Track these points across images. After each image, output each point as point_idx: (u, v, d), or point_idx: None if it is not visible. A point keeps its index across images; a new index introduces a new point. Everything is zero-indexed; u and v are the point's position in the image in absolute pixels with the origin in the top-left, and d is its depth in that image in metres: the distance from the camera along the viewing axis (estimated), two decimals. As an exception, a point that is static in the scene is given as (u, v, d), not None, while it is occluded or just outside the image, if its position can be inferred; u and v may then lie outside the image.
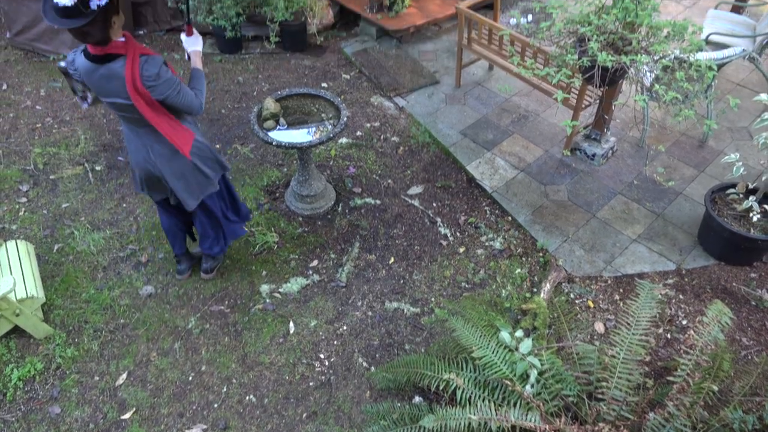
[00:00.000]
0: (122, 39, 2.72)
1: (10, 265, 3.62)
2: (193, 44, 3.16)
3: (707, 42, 5.09)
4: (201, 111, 3.02)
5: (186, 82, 3.04)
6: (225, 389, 3.42)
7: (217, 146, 4.97)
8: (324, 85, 5.65)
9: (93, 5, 2.49)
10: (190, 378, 3.47)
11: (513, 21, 6.15)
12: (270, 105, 3.96)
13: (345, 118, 3.89)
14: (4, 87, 5.60)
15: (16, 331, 3.59)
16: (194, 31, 3.17)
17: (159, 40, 6.26)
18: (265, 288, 3.94)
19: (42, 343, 3.60)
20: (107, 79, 2.75)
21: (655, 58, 3.46)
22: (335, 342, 3.65)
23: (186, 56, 3.21)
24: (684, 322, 3.68)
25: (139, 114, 2.85)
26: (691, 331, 2.80)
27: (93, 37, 2.60)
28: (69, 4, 2.44)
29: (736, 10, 5.79)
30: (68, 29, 2.55)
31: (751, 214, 3.83)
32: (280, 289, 3.93)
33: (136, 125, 3.01)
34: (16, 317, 3.44)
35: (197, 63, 3.14)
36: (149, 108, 2.82)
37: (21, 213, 4.41)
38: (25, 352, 3.55)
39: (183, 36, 3.17)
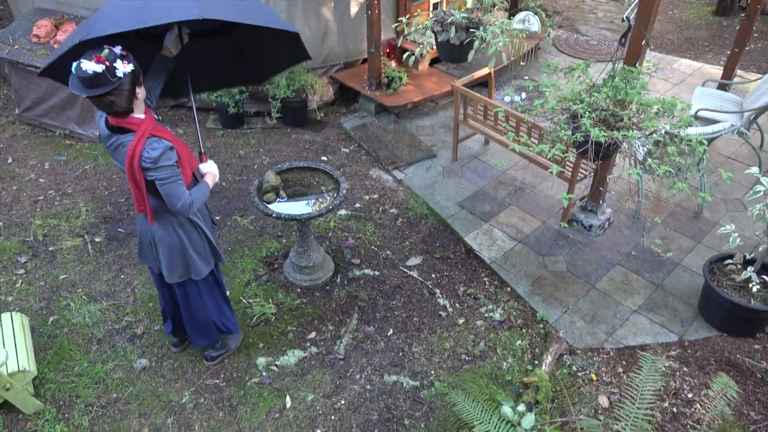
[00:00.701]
0: (142, 116, 2.78)
1: (3, 337, 3.57)
2: (207, 168, 3.20)
3: (696, 117, 5.25)
4: (185, 213, 2.94)
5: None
6: (218, 468, 3.30)
7: (218, 218, 5.01)
8: (324, 158, 5.77)
9: (119, 73, 2.56)
10: (182, 456, 3.35)
11: (507, 98, 6.36)
12: (270, 178, 4.04)
13: (344, 191, 3.95)
14: (10, 160, 5.71)
15: (5, 406, 3.50)
16: (207, 159, 3.25)
17: (164, 115, 6.43)
18: (261, 360, 3.87)
19: (31, 419, 3.49)
20: (117, 149, 2.82)
21: (647, 133, 3.56)
22: (333, 417, 3.55)
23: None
24: (689, 396, 3.60)
25: None
26: (697, 405, 2.75)
27: (118, 106, 2.64)
28: (99, 71, 2.50)
29: (722, 87, 6.01)
30: (94, 98, 2.59)
31: (750, 285, 3.83)
32: (277, 362, 3.86)
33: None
34: (5, 391, 3.36)
35: (208, 179, 3.16)
36: (133, 184, 2.83)
37: (18, 285, 4.39)
38: (12, 429, 3.44)
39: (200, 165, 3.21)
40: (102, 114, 2.85)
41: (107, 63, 2.52)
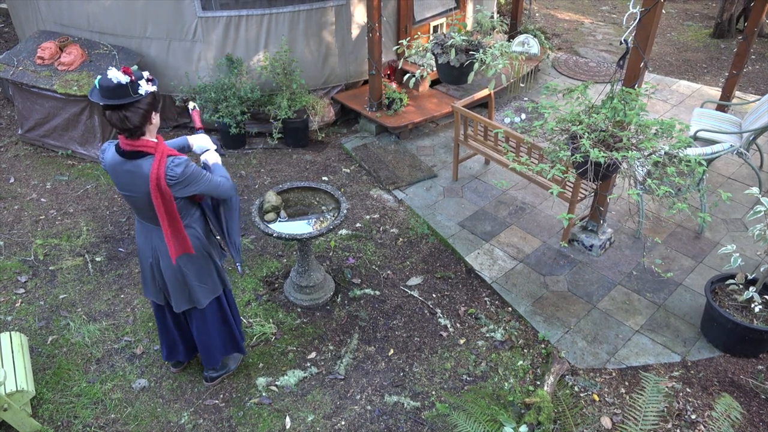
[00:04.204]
0: (155, 140, 2.82)
1: (2, 357, 3.55)
2: (213, 157, 3.19)
3: (695, 138, 5.29)
4: (233, 192, 3.07)
5: None
6: (216, 490, 3.25)
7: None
8: (325, 178, 5.79)
9: (141, 90, 2.64)
10: (181, 478, 3.31)
11: (507, 120, 6.40)
12: (271, 198, 4.05)
13: (345, 210, 3.96)
14: (12, 180, 5.74)
15: (3, 427, 3.46)
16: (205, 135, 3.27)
17: (166, 136, 6.47)
18: (261, 381, 3.84)
19: (28, 440, 3.46)
20: (131, 175, 2.80)
21: (646, 154, 3.58)
22: (333, 439, 3.51)
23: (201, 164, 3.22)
24: (693, 417, 3.57)
25: (154, 211, 2.89)
26: (701, 427, 2.72)
27: (131, 122, 2.66)
28: (124, 82, 2.58)
29: (721, 109, 6.05)
30: (109, 112, 2.65)
31: (752, 305, 3.82)
32: (277, 382, 3.84)
33: (148, 222, 3.07)
34: (3, 412, 3.33)
35: (210, 159, 3.19)
36: (164, 208, 2.86)
37: (18, 304, 4.38)
38: (9, 450, 3.41)
39: (190, 139, 3.22)
40: (111, 142, 2.88)
41: (133, 77, 2.61)
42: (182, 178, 2.81)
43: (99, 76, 2.63)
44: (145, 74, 2.71)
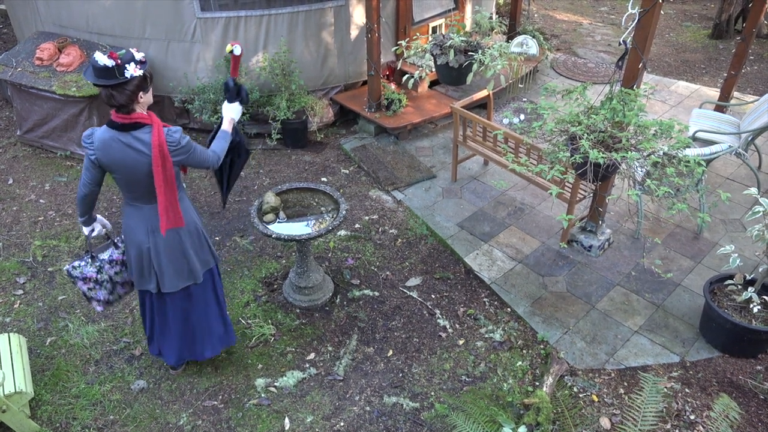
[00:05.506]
0: (145, 113, 2.98)
1: (0, 359, 3.55)
2: (230, 111, 3.40)
3: (694, 139, 5.29)
4: (216, 165, 3.24)
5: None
6: (215, 492, 3.25)
7: (216, 238, 5.01)
8: (324, 179, 5.79)
9: (127, 74, 2.80)
10: (180, 479, 3.31)
11: (506, 120, 6.40)
12: (270, 199, 4.05)
13: (344, 211, 3.96)
14: (10, 181, 5.73)
15: (1, 428, 3.46)
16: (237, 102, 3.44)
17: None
18: (260, 382, 3.84)
19: (26, 442, 3.46)
20: (128, 147, 2.92)
21: (645, 154, 3.58)
22: (332, 440, 3.51)
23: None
24: (692, 417, 3.57)
25: (151, 185, 2.99)
26: (700, 427, 2.72)
27: (116, 100, 2.84)
28: (109, 66, 2.76)
29: (720, 109, 6.06)
30: (99, 87, 2.85)
31: (751, 306, 3.82)
32: (276, 383, 3.83)
33: (140, 201, 3.15)
34: (2, 413, 3.32)
35: (226, 126, 3.37)
36: (163, 175, 2.96)
37: (16, 305, 4.38)
38: (8, 451, 3.40)
39: (225, 103, 3.43)
40: (92, 129, 3.01)
41: (119, 61, 2.78)
42: (180, 146, 2.99)
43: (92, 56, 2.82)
44: (139, 56, 2.85)
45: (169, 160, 2.95)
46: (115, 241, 3.48)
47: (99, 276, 3.40)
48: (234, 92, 3.40)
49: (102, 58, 2.76)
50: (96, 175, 3.06)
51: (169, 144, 2.94)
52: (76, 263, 3.36)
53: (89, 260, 3.38)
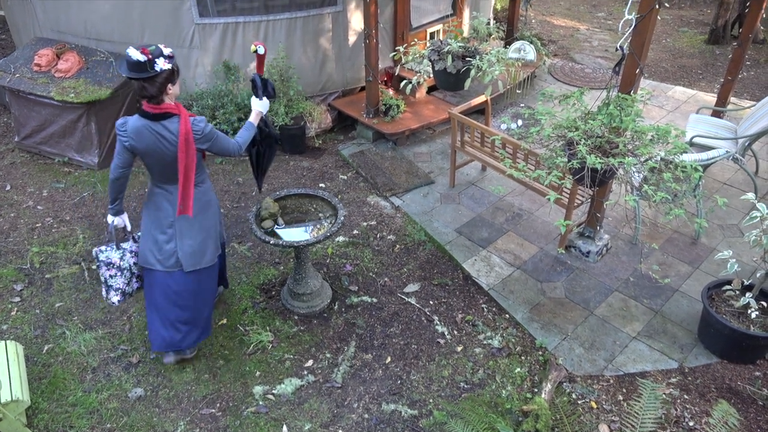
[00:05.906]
0: (173, 104, 3.23)
1: (-3, 366, 3.53)
2: (257, 105, 3.69)
3: (691, 144, 5.30)
4: (238, 153, 3.51)
5: None
6: (213, 500, 3.23)
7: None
8: (322, 185, 5.79)
9: (158, 67, 3.06)
10: (177, 488, 3.29)
11: (503, 126, 6.42)
12: (268, 205, 4.04)
13: (342, 217, 3.95)
14: (8, 188, 5.72)
15: (-3, 437, 3.45)
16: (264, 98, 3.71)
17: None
18: (258, 389, 3.83)
19: (23, 450, 3.44)
20: (158, 135, 3.19)
21: (642, 160, 3.59)
22: (330, 447, 3.50)
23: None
24: (691, 424, 3.56)
25: (175, 170, 3.28)
26: (699, 434, 2.72)
27: (148, 92, 3.11)
28: (141, 60, 3.01)
29: (716, 114, 6.07)
30: (133, 80, 3.09)
31: (749, 311, 3.82)
32: (273, 391, 3.82)
33: (168, 183, 3.42)
34: (-2, 422, 3.31)
35: (253, 118, 3.66)
36: (185, 163, 3.23)
37: (13, 313, 4.36)
38: (4, 460, 3.38)
39: (253, 98, 3.71)
40: (125, 117, 3.23)
41: (150, 56, 3.03)
42: (204, 134, 3.27)
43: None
44: (167, 51, 3.10)
45: (192, 147, 3.23)
46: (135, 236, 3.79)
47: (122, 263, 3.67)
48: (261, 88, 3.67)
49: (134, 53, 3.01)
50: (127, 158, 3.32)
51: (194, 132, 3.21)
52: (103, 247, 3.66)
53: (114, 247, 3.67)
